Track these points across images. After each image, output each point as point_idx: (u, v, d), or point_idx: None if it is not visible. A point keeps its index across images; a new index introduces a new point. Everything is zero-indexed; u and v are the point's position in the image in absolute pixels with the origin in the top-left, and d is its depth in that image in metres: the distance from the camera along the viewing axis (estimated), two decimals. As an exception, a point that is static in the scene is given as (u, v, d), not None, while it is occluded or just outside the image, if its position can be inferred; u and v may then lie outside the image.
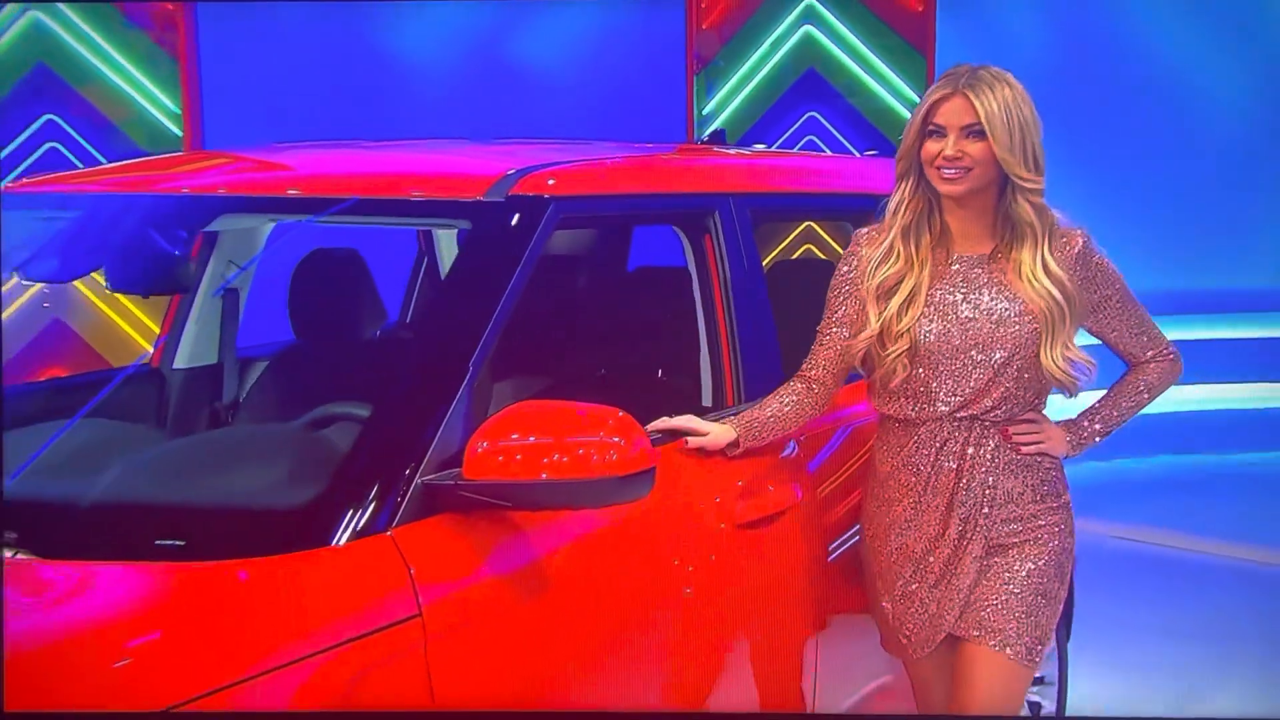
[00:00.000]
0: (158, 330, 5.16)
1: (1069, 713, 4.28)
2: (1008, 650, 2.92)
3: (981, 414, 2.92)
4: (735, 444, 2.88)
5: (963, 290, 2.89)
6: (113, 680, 1.90)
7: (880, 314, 2.87)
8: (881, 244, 2.91)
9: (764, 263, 3.46)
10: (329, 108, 6.82)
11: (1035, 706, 4.20)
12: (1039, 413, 3.00)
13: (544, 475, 2.28)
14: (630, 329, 3.48)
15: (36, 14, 5.57)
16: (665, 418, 2.84)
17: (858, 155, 6.28)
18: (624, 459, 2.32)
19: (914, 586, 2.97)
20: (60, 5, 5.64)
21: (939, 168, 2.84)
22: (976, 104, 2.79)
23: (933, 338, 2.87)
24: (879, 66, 6.95)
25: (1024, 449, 2.96)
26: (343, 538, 2.19)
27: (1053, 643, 4.18)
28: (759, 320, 3.19)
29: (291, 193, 2.96)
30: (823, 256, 5.62)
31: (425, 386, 2.47)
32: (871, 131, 6.93)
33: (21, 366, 4.01)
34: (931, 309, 2.88)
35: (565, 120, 7.12)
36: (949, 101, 2.82)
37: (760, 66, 6.91)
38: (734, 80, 6.88)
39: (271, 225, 3.77)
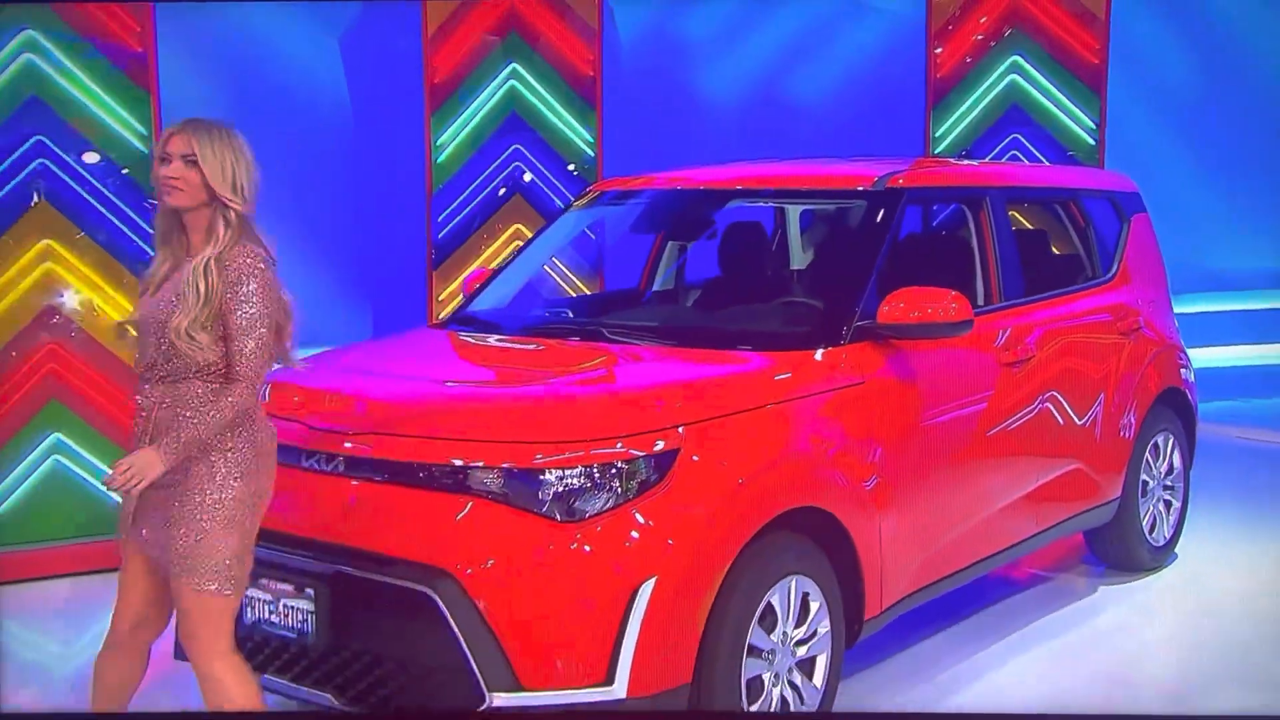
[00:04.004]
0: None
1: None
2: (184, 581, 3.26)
3: (158, 378, 3.28)
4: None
5: (179, 279, 3.29)
6: (740, 390, 3.92)
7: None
8: (156, 260, 3.37)
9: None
10: (677, 139, 8.78)
11: (1168, 504, 5.86)
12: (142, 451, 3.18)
13: (914, 319, 4.25)
14: (939, 259, 5.17)
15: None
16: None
17: (1048, 164, 7.83)
18: (954, 313, 4.21)
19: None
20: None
21: (166, 184, 3.25)
22: (194, 140, 3.23)
23: (137, 317, 3.36)
24: (1065, 102, 7.96)
25: (124, 490, 3.16)
26: (825, 346, 4.18)
27: (1180, 466, 5.95)
28: (1009, 256, 5.01)
29: (777, 186, 4.97)
30: (1026, 225, 6.62)
31: (852, 284, 4.40)
32: (1059, 148, 7.95)
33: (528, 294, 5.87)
34: (154, 295, 3.32)
35: (836, 143, 8.74)
36: (176, 136, 3.27)
37: (978, 103, 7.98)
38: (959, 112, 7.97)
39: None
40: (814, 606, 3.95)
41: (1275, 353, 9.77)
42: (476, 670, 3.42)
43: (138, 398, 3.37)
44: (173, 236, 3.37)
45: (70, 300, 5.89)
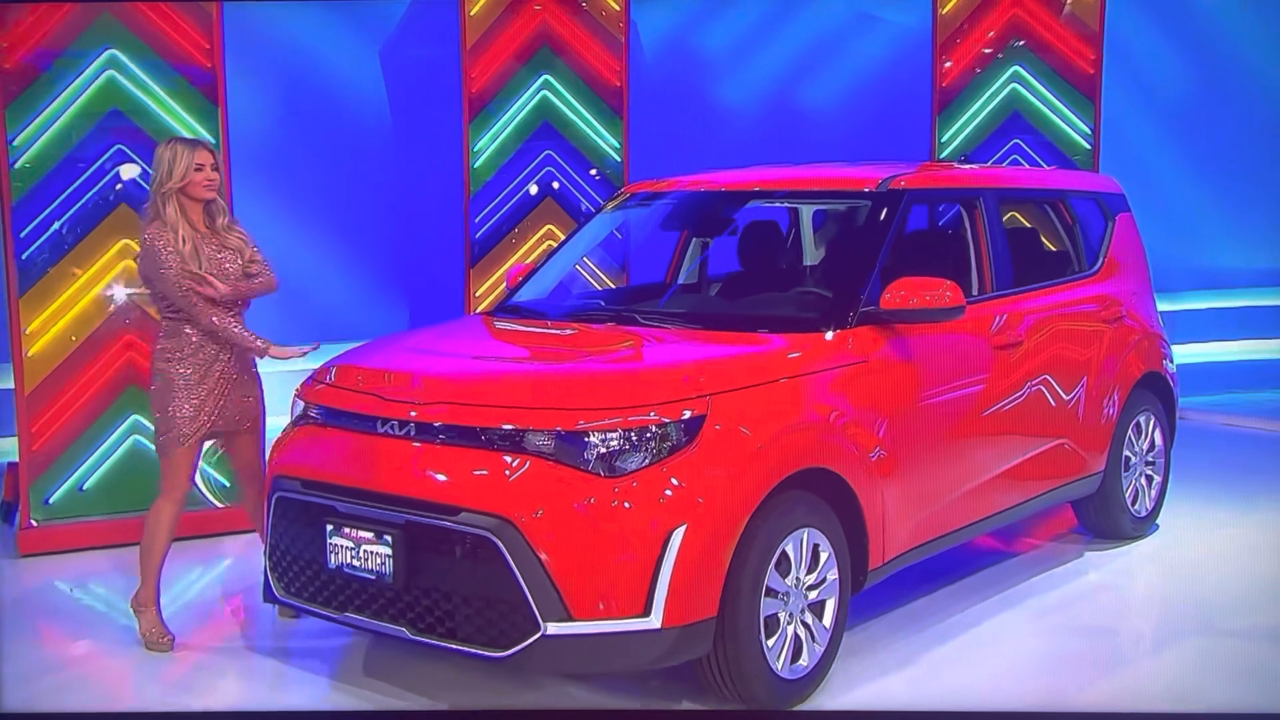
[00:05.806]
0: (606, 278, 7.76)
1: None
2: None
3: (234, 314, 5.01)
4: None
5: (218, 252, 5.00)
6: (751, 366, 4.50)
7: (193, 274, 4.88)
8: (179, 238, 4.87)
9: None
10: (698, 144, 9.35)
11: (1150, 479, 6.41)
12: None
13: (912, 305, 4.80)
14: (938, 253, 5.69)
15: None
16: None
17: (1041, 167, 8.30)
18: (948, 300, 4.74)
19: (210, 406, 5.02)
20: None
21: (205, 183, 4.92)
22: (214, 155, 4.98)
23: (214, 272, 4.95)
24: (1063, 109, 8.46)
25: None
26: (833, 329, 4.73)
27: (1161, 444, 6.51)
28: (1001, 251, 5.56)
29: (791, 187, 5.54)
30: (1022, 223, 7.10)
31: (858, 274, 4.95)
32: (1057, 153, 8.43)
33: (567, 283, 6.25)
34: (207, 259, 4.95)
35: (847, 148, 9.28)
36: (208, 150, 4.96)
37: (981, 110, 8.45)
38: (963, 119, 8.44)
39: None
40: (823, 556, 4.53)
41: (1264, 348, 10.25)
42: (533, 603, 4.01)
43: (228, 328, 4.96)
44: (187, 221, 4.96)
45: (147, 294, 6.48)
